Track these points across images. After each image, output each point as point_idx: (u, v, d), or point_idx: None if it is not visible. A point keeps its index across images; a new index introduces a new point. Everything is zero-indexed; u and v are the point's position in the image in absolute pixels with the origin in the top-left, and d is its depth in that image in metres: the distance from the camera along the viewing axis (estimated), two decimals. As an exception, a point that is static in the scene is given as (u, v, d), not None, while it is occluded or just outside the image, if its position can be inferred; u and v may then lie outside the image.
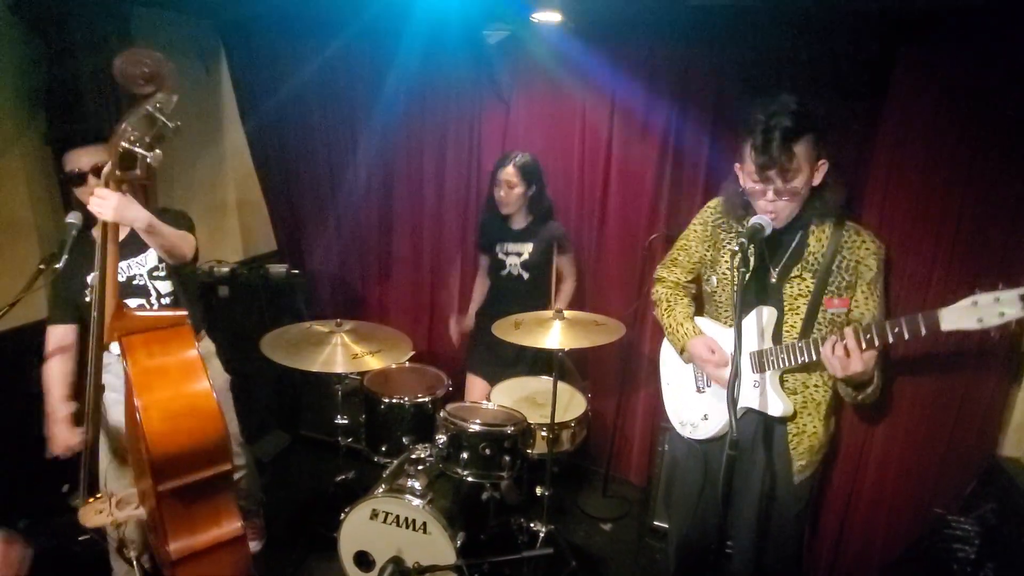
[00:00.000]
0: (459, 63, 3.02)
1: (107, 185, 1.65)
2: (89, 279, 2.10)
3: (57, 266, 1.98)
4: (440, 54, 3.03)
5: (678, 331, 2.02)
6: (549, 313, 2.44)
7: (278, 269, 3.42)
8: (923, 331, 1.52)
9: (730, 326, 1.92)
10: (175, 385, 1.62)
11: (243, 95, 3.39)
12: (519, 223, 2.79)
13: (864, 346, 1.62)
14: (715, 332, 1.98)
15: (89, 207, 1.67)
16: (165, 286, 2.17)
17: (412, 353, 2.59)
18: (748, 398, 1.87)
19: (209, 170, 3.54)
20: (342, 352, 2.45)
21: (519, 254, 2.77)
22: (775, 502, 1.93)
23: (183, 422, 1.58)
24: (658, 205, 2.90)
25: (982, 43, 1.92)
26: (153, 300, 2.17)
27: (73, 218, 2.05)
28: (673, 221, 2.88)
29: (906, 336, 1.55)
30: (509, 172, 2.66)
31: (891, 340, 1.58)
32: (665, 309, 2.10)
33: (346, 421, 2.67)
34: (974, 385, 2.06)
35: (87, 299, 2.09)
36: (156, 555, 1.95)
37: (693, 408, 2.03)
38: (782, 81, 2.47)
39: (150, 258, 2.13)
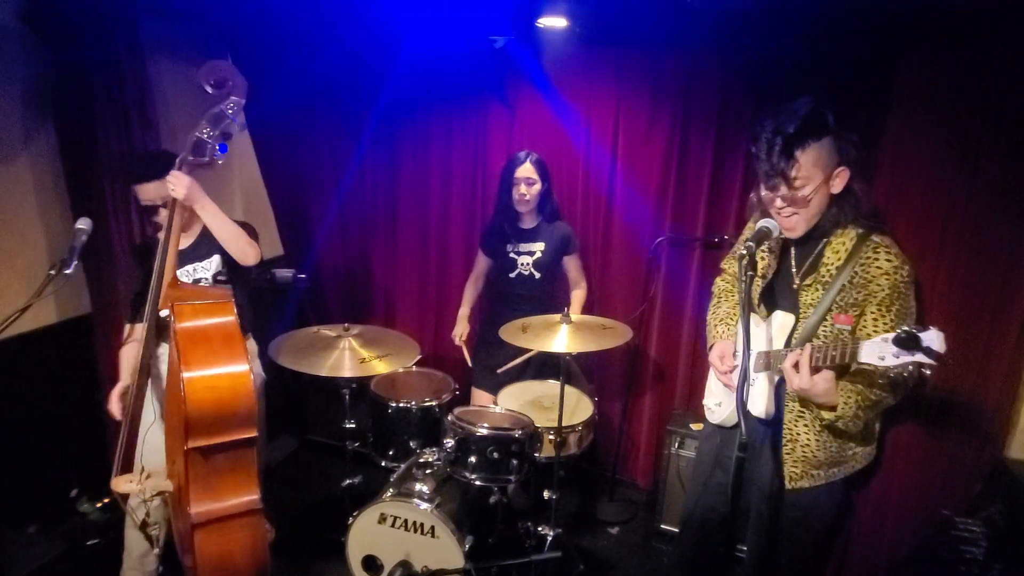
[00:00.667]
0: (465, 67, 3.04)
1: (180, 169, 1.98)
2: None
3: (67, 272, 2.00)
4: (446, 58, 3.04)
5: (712, 332, 2.10)
6: (556, 317, 2.45)
7: (284, 273, 3.43)
8: (847, 358, 1.55)
9: (763, 320, 1.92)
10: (216, 349, 1.82)
11: (249, 101, 3.40)
12: (529, 223, 2.80)
13: (822, 364, 1.61)
14: (750, 326, 1.98)
15: (167, 185, 2.00)
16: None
17: (419, 357, 2.60)
18: (736, 394, 1.88)
19: (216, 175, 3.55)
20: (350, 356, 2.46)
21: (531, 253, 2.78)
22: (772, 503, 1.94)
23: (219, 382, 1.77)
24: (663, 209, 2.91)
25: (986, 48, 1.94)
26: None
27: (83, 224, 2.07)
28: (679, 224, 2.89)
29: (837, 360, 1.57)
30: (528, 168, 2.67)
31: (828, 363, 1.59)
32: (713, 305, 2.17)
33: (353, 425, 2.68)
34: (980, 386, 2.07)
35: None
36: (177, 534, 2.04)
37: (714, 393, 2.11)
38: (785, 85, 2.49)
39: (214, 263, 2.31)
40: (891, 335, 1.43)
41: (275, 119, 3.41)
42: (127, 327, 2.33)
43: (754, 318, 1.93)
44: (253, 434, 1.81)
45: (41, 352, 2.64)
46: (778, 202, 1.72)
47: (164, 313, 1.98)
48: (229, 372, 1.80)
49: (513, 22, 2.76)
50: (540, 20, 2.65)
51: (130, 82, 2.67)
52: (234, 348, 1.84)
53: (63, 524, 2.61)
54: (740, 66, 2.58)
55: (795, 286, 1.82)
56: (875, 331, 1.69)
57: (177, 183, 1.97)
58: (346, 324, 2.59)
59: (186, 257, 2.29)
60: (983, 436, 2.10)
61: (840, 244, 1.73)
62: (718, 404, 2.08)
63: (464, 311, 2.99)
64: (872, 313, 1.69)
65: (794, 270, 1.83)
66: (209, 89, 1.90)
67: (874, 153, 2.22)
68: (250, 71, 3.28)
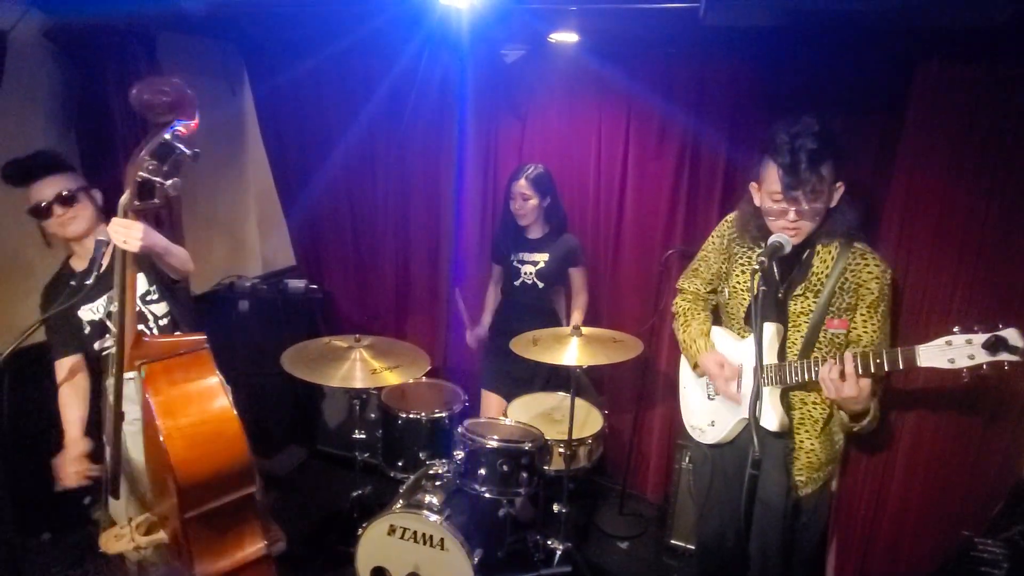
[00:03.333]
0: (476, 81, 3.07)
1: (125, 216, 1.61)
2: (81, 315, 2.07)
3: (87, 283, 2.02)
4: (457, 72, 3.08)
5: (692, 347, 2.06)
6: (567, 330, 2.45)
7: (296, 284, 3.47)
8: (901, 365, 1.59)
9: (742, 337, 1.97)
10: (199, 411, 1.62)
11: (264, 114, 3.46)
12: (535, 233, 2.82)
13: (860, 372, 1.65)
14: (727, 343, 2.01)
15: (112, 239, 1.62)
16: (160, 308, 2.14)
17: (429, 368, 2.61)
18: (749, 410, 1.88)
19: (231, 186, 3.61)
20: (361, 367, 2.47)
21: (535, 263, 2.80)
22: (778, 513, 1.95)
23: (209, 447, 1.60)
24: (674, 220, 2.90)
25: (1002, 59, 1.92)
26: (151, 324, 2.12)
27: (103, 236, 2.09)
28: (689, 237, 2.88)
29: (886, 368, 1.62)
30: (522, 185, 2.70)
31: (873, 371, 1.63)
32: (682, 324, 2.14)
33: (363, 436, 2.69)
34: (1000, 405, 2.02)
35: (86, 331, 2.09)
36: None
37: (702, 414, 2.08)
38: (799, 97, 2.49)
39: (140, 283, 2.05)
40: (962, 336, 1.50)
41: (289, 131, 3.46)
42: (59, 364, 2.10)
43: (741, 333, 1.98)
44: (252, 489, 1.68)
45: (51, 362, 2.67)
46: (792, 215, 1.74)
47: (131, 375, 1.71)
48: (217, 431, 1.61)
49: (525, 37, 2.79)
50: (552, 35, 2.67)
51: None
52: (218, 403, 1.65)
53: (77, 532, 2.62)
54: (751, 79, 2.58)
55: (780, 296, 1.85)
56: (865, 332, 1.80)
57: (129, 233, 1.59)
58: (357, 335, 2.61)
59: (97, 288, 2.00)
60: (1003, 455, 2.06)
61: (827, 253, 1.80)
62: (711, 424, 2.05)
63: (486, 318, 3.05)
64: (862, 315, 1.80)
65: (779, 282, 1.86)
66: (150, 116, 1.52)
67: (889, 165, 2.21)
68: (265, 85, 3.40)
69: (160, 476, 1.72)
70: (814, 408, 1.90)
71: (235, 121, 3.55)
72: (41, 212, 1.98)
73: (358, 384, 2.42)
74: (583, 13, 2.29)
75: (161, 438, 1.55)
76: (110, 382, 2.02)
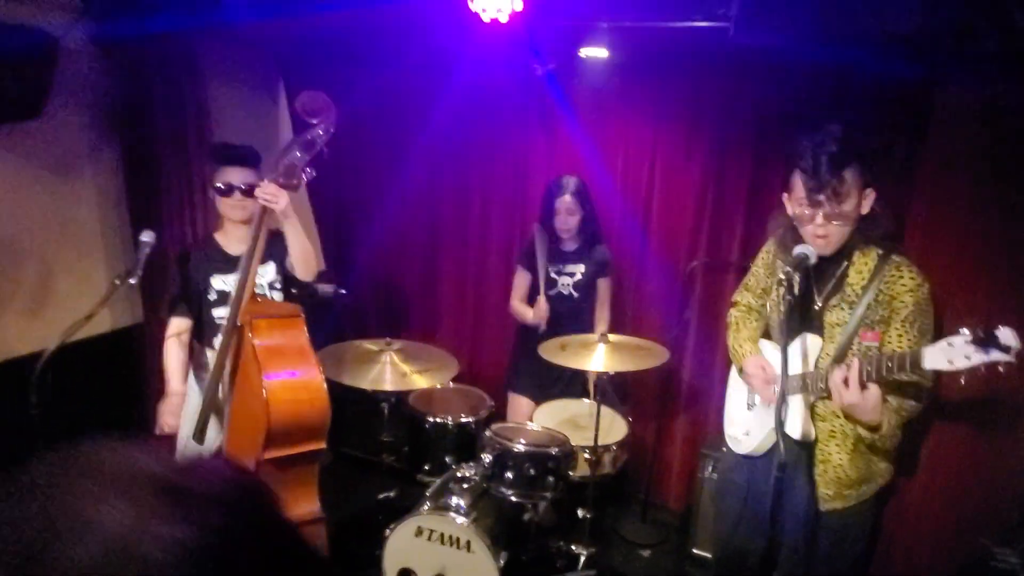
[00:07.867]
0: (506, 92, 3.14)
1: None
2: (212, 282, 2.29)
3: (132, 281, 2.11)
4: (488, 83, 3.14)
5: (738, 351, 2.09)
6: (594, 336, 2.49)
7: (326, 288, 3.52)
8: (908, 367, 1.58)
9: (790, 344, 1.94)
10: (293, 364, 1.91)
11: (298, 122, 3.53)
12: (571, 245, 2.86)
13: (874, 377, 1.63)
14: (771, 353, 2.02)
15: (259, 199, 2.02)
16: (278, 297, 2.35)
17: (457, 372, 2.65)
18: (775, 415, 1.89)
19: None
20: (391, 371, 2.52)
21: (572, 274, 2.83)
22: (806, 527, 1.93)
23: (299, 394, 1.86)
24: (699, 233, 2.94)
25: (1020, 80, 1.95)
26: None
27: (147, 237, 2.18)
28: (714, 249, 2.92)
29: (895, 371, 1.60)
30: (568, 200, 2.72)
31: (884, 373, 1.62)
32: (733, 331, 2.17)
33: (391, 439, 2.73)
34: (1018, 413, 2.04)
35: (211, 298, 2.29)
36: None
37: (739, 423, 2.09)
38: (825, 111, 2.52)
39: (269, 271, 2.32)
40: (961, 337, 1.48)
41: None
42: (173, 322, 2.32)
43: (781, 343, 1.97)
44: (323, 446, 1.93)
45: (96, 359, 2.74)
46: (819, 218, 1.74)
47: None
48: (307, 384, 1.89)
49: (556, 52, 2.84)
50: (582, 51, 2.73)
51: (190, 103, 2.81)
52: (309, 361, 1.93)
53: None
54: (778, 94, 2.62)
55: (818, 308, 1.86)
56: (900, 346, 1.75)
57: (280, 196, 2.00)
58: (388, 339, 2.65)
59: (240, 263, 2.30)
60: (1021, 464, 2.07)
61: (863, 264, 1.79)
62: (745, 434, 2.05)
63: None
64: (896, 329, 1.76)
65: (816, 292, 1.87)
66: (306, 117, 2.00)
67: (912, 181, 2.25)
68: (300, 93, 3.47)
69: (249, 419, 1.92)
70: (846, 423, 1.83)
71: (271, 128, 3.63)
72: (224, 191, 2.24)
73: (388, 387, 2.47)
74: (613, 31, 2.35)
75: (263, 379, 1.80)
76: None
